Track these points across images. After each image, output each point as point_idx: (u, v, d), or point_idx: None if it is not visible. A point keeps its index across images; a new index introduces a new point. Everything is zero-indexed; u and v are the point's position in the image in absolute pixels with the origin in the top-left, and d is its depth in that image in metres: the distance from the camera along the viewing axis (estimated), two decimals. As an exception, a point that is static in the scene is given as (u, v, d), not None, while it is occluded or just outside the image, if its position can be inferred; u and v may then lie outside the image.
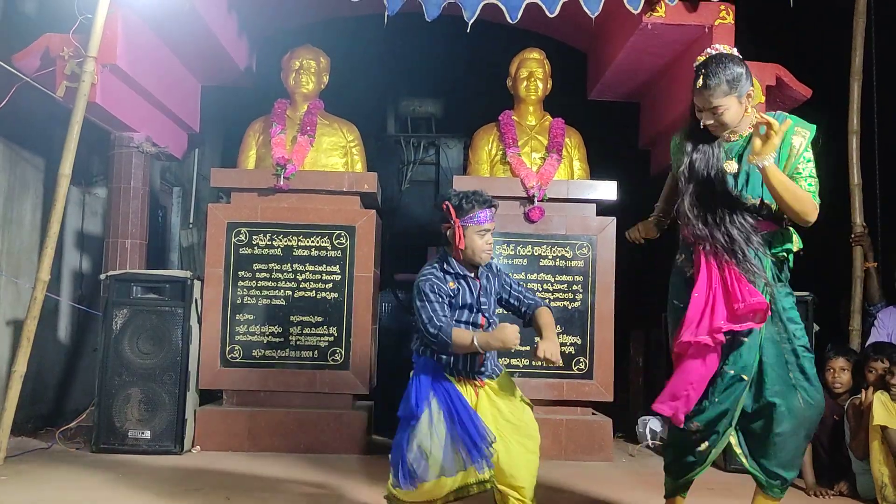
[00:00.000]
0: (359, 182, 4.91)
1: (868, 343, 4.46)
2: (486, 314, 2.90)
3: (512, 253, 4.81)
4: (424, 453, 2.72)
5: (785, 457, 2.83)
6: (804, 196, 2.73)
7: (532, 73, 5.12)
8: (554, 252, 4.81)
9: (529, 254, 4.82)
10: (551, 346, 2.76)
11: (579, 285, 4.79)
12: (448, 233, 2.84)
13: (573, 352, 4.74)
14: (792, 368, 2.81)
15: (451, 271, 2.86)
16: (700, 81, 2.71)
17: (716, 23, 4.63)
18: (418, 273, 2.89)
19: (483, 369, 2.87)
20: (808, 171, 2.80)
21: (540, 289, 4.77)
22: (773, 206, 2.80)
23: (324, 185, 4.88)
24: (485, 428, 2.75)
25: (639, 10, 4.44)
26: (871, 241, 4.80)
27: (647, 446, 4.99)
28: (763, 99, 4.65)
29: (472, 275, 2.89)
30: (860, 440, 3.87)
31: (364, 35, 5.95)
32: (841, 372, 4.17)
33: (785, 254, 2.88)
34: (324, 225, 4.82)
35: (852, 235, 4.78)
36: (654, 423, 4.98)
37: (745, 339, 2.79)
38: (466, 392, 2.83)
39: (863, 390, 3.95)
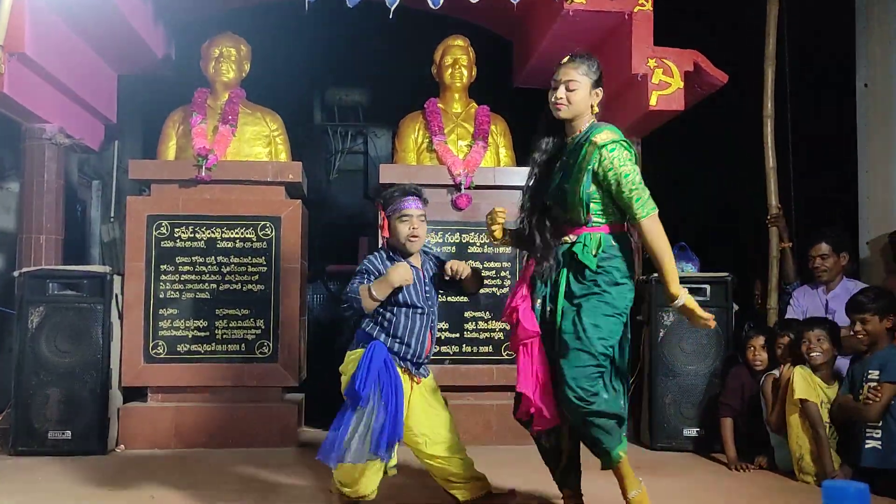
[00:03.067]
0: (283, 172, 4.83)
1: (780, 319, 4.63)
2: (431, 308, 3.12)
3: (440, 241, 4.81)
4: (361, 438, 2.89)
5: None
6: (664, 248, 2.83)
7: (456, 60, 5.11)
8: (482, 239, 4.83)
9: (457, 241, 4.83)
10: (459, 263, 3.11)
11: (507, 272, 4.82)
12: (379, 229, 3.10)
13: (502, 337, 4.77)
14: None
15: (396, 259, 3.06)
16: (567, 58, 2.94)
17: (635, 10, 4.70)
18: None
19: (424, 363, 3.10)
20: (628, 186, 2.79)
21: (468, 276, 4.78)
22: (564, 213, 2.91)
23: (247, 175, 4.79)
24: (401, 429, 2.96)
25: (560, -3, 4.49)
26: (786, 223, 4.95)
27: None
28: (682, 84, 4.74)
29: (417, 266, 3.10)
30: (777, 414, 4.01)
31: (287, 23, 5.85)
32: (761, 350, 4.31)
33: (585, 263, 2.86)
34: (248, 216, 4.74)
35: (768, 217, 4.92)
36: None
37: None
38: (405, 383, 3.03)
39: (780, 366, 4.09)
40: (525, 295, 2.95)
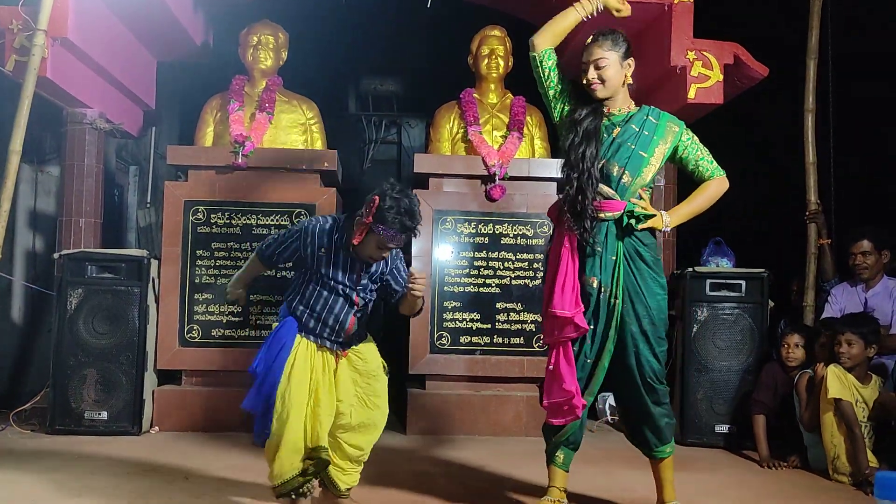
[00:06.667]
0: (318, 160, 4.86)
1: (820, 319, 4.55)
2: (362, 294, 2.93)
3: (473, 231, 4.81)
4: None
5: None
6: (714, 193, 3.06)
7: (493, 50, 5.09)
8: (515, 230, 4.82)
9: (490, 232, 4.82)
10: (419, 281, 2.86)
11: (540, 263, 4.81)
12: (356, 219, 2.81)
13: (533, 329, 4.77)
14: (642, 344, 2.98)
15: (340, 244, 2.86)
16: (591, 39, 3.01)
17: (675, 1, 4.64)
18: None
19: (349, 341, 2.97)
20: (704, 153, 3.06)
21: (501, 267, 4.78)
22: (632, 178, 2.94)
23: (283, 162, 4.82)
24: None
25: (599, -12, 4.43)
26: (824, 219, 4.87)
27: (607, 422, 5.06)
28: (721, 77, 4.68)
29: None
30: (811, 413, 3.96)
31: (324, 11, 5.87)
32: (795, 347, 4.26)
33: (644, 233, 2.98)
34: (283, 203, 4.77)
35: (807, 213, 4.84)
36: (613, 400, 5.03)
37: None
38: (325, 359, 2.93)
39: (817, 365, 4.03)
40: (580, 306, 2.94)
